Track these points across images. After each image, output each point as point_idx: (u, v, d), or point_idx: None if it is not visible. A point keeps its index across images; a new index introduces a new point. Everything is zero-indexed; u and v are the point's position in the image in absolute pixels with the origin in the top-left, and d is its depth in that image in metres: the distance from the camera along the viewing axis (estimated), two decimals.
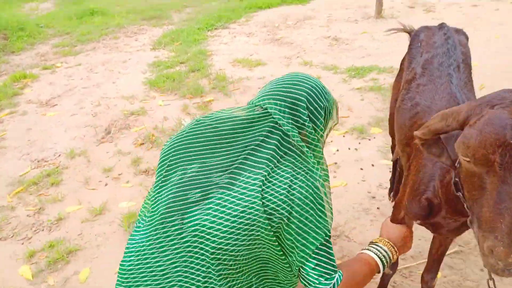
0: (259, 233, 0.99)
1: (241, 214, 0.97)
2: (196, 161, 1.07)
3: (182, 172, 1.07)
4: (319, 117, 1.12)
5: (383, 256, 1.19)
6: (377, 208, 2.40)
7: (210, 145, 1.08)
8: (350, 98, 3.74)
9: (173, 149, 1.13)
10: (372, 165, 2.81)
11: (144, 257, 1.06)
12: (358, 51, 4.96)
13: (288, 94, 1.10)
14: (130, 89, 4.29)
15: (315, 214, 1.02)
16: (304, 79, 1.15)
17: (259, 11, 7.54)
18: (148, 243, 1.06)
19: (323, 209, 1.04)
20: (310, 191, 1.02)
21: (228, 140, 1.08)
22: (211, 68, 4.75)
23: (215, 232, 0.97)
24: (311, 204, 1.02)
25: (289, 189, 1.00)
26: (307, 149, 1.08)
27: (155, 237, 1.05)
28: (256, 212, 0.97)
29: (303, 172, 1.04)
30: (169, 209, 1.03)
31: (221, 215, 0.98)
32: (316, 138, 1.13)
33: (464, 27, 5.52)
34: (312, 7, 7.53)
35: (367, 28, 5.85)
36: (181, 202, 1.03)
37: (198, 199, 1.01)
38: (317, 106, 1.11)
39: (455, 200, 1.06)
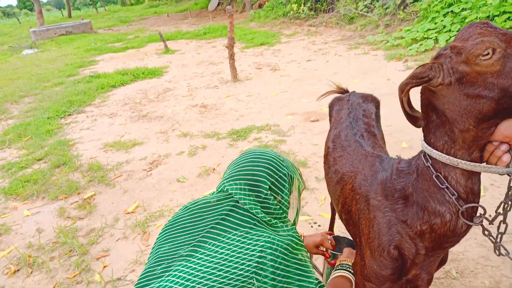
0: None
1: (200, 281, 0.94)
2: (170, 240, 1.09)
3: (156, 251, 1.08)
4: (284, 184, 1.17)
5: (349, 267, 1.41)
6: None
7: (182, 225, 1.11)
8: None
9: (161, 234, 1.14)
10: None
11: None
12: (230, 114, 5.10)
13: (247, 173, 1.14)
14: None
15: (292, 275, 1.02)
16: (260, 154, 1.21)
17: (113, 89, 7.20)
18: None
19: (301, 266, 1.05)
20: (282, 256, 1.01)
21: (195, 219, 1.11)
22: (79, 159, 4.18)
23: None
24: (287, 267, 1.02)
25: (258, 259, 0.98)
26: (273, 220, 1.11)
27: None
28: (213, 284, 0.93)
29: (270, 239, 1.03)
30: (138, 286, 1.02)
31: (181, 281, 0.93)
32: (282, 207, 1.16)
33: (307, 79, 6.34)
34: (168, 79, 7.59)
35: (229, 92, 6.14)
36: (146, 279, 1.00)
37: (161, 272, 1.00)
38: (278, 177, 1.16)
39: (437, 217, 1.06)
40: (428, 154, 1.07)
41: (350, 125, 1.72)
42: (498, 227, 1.03)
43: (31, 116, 5.97)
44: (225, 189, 1.15)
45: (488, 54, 0.87)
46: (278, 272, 0.99)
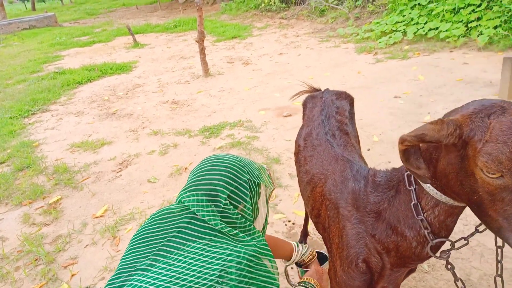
0: None
1: None
2: (132, 251, 1.04)
3: (120, 262, 1.04)
4: (245, 192, 1.12)
5: (312, 286, 1.35)
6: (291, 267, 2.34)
7: (144, 236, 1.07)
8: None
9: (128, 246, 1.08)
10: None
11: None
12: (202, 110, 5.02)
13: (204, 182, 1.10)
14: None
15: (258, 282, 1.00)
16: (218, 161, 1.16)
17: (80, 86, 6.95)
18: None
19: (266, 274, 1.03)
20: (247, 268, 0.98)
21: (155, 230, 1.06)
22: (44, 161, 4.01)
23: None
24: (251, 279, 0.98)
25: (222, 268, 0.95)
26: (234, 230, 1.07)
27: None
28: None
29: (234, 250, 1.00)
30: None
31: None
32: (244, 216, 1.11)
33: (279, 73, 6.31)
34: (137, 74, 7.39)
35: (201, 87, 6.04)
36: None
37: (119, 284, 0.96)
38: (237, 185, 1.11)
39: (404, 241, 1.05)
40: (414, 178, 1.01)
41: (322, 123, 1.68)
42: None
43: None
44: (182, 201, 1.11)
45: (494, 174, 0.79)
46: (244, 281, 0.96)
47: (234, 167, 1.14)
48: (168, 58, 8.52)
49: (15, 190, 3.52)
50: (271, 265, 1.09)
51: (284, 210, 2.77)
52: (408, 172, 1.04)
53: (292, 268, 2.24)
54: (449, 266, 1.08)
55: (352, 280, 1.22)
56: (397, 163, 3.15)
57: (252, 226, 1.14)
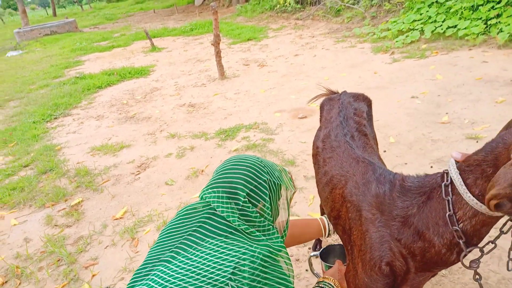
0: None
1: (179, 283, 0.94)
2: (158, 244, 1.10)
3: (148, 253, 1.10)
4: (264, 191, 1.15)
5: (331, 286, 1.40)
6: (306, 270, 2.34)
7: (169, 230, 1.13)
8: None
9: (157, 238, 1.16)
10: None
11: None
12: (218, 113, 5.08)
13: (225, 180, 1.15)
14: None
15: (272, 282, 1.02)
16: (240, 161, 1.20)
17: (100, 91, 7.12)
18: None
19: (280, 273, 1.05)
20: (261, 267, 1.00)
21: (178, 226, 1.12)
22: (66, 165, 4.14)
23: None
24: (265, 279, 1.00)
25: (235, 266, 0.96)
26: (251, 228, 1.09)
27: None
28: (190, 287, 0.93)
29: (249, 249, 1.02)
30: None
31: (157, 285, 0.94)
32: (263, 215, 1.14)
33: (295, 75, 6.31)
34: (155, 78, 7.52)
35: (217, 90, 6.11)
36: (133, 280, 1.03)
37: (144, 274, 1.02)
38: (257, 184, 1.14)
39: (431, 247, 1.05)
40: (452, 187, 1.00)
41: (341, 124, 1.68)
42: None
43: (16, 121, 5.89)
44: (204, 198, 1.16)
45: None
46: (257, 280, 0.98)
47: (255, 167, 1.18)
48: (184, 61, 8.63)
49: (38, 192, 3.64)
50: (287, 267, 1.10)
51: (300, 212, 2.79)
52: (446, 182, 1.02)
53: (316, 257, 2.20)
54: (477, 277, 1.06)
55: (374, 282, 1.22)
56: (413, 164, 3.12)
57: (271, 226, 1.16)
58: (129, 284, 1.03)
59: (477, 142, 3.27)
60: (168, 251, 1.04)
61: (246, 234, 1.08)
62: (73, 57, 11.12)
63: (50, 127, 5.49)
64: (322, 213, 2.31)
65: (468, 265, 1.04)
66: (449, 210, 1.00)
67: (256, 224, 1.12)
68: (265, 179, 1.17)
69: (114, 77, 7.74)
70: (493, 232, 2.23)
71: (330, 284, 1.43)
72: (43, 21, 25.80)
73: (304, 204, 2.87)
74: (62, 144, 4.75)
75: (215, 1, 8.21)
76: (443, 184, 1.03)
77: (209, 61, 8.17)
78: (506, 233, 1.00)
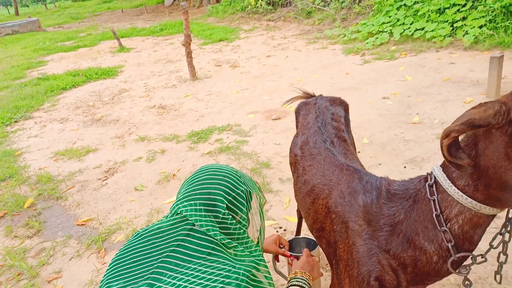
0: None
1: None
2: (121, 275, 0.97)
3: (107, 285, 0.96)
4: (243, 202, 1.10)
5: (305, 282, 1.35)
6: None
7: (134, 255, 1.01)
8: (204, 165, 3.61)
9: (111, 267, 1.00)
10: None
11: None
12: (190, 114, 4.94)
13: (202, 192, 1.06)
14: None
15: None
16: (216, 170, 1.13)
17: (64, 92, 6.80)
18: None
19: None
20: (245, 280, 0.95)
21: (149, 248, 1.01)
22: (27, 171, 3.89)
23: None
24: None
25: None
26: (233, 243, 1.03)
27: None
28: None
29: (232, 270, 0.95)
30: None
31: None
32: (240, 226, 1.08)
33: (267, 76, 6.26)
34: (123, 79, 7.28)
35: (188, 91, 5.96)
36: None
37: None
38: (235, 194, 1.09)
39: (423, 255, 1.00)
40: (436, 187, 0.96)
41: (319, 130, 1.61)
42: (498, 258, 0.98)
43: None
44: (179, 211, 1.06)
45: None
46: None
47: (232, 177, 1.12)
48: (154, 62, 8.41)
49: None
50: (268, 282, 1.06)
51: (275, 216, 2.72)
52: (429, 182, 0.98)
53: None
54: (466, 283, 1.02)
55: None
56: (387, 165, 3.12)
57: (248, 236, 1.11)
58: None
59: None
60: (142, 279, 0.93)
61: (227, 249, 1.01)
62: (35, 58, 10.62)
63: (9, 131, 5.17)
64: (300, 219, 2.25)
65: (457, 271, 1.00)
66: (436, 210, 0.96)
67: (235, 236, 1.06)
68: (243, 189, 1.11)
69: (79, 78, 7.43)
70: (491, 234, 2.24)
71: (303, 279, 1.37)
72: (5, 20, 24.61)
73: (280, 208, 2.80)
74: (23, 149, 4.47)
75: (185, 1, 8.04)
76: (427, 184, 0.99)
77: (180, 62, 7.99)
78: (496, 248, 0.97)
